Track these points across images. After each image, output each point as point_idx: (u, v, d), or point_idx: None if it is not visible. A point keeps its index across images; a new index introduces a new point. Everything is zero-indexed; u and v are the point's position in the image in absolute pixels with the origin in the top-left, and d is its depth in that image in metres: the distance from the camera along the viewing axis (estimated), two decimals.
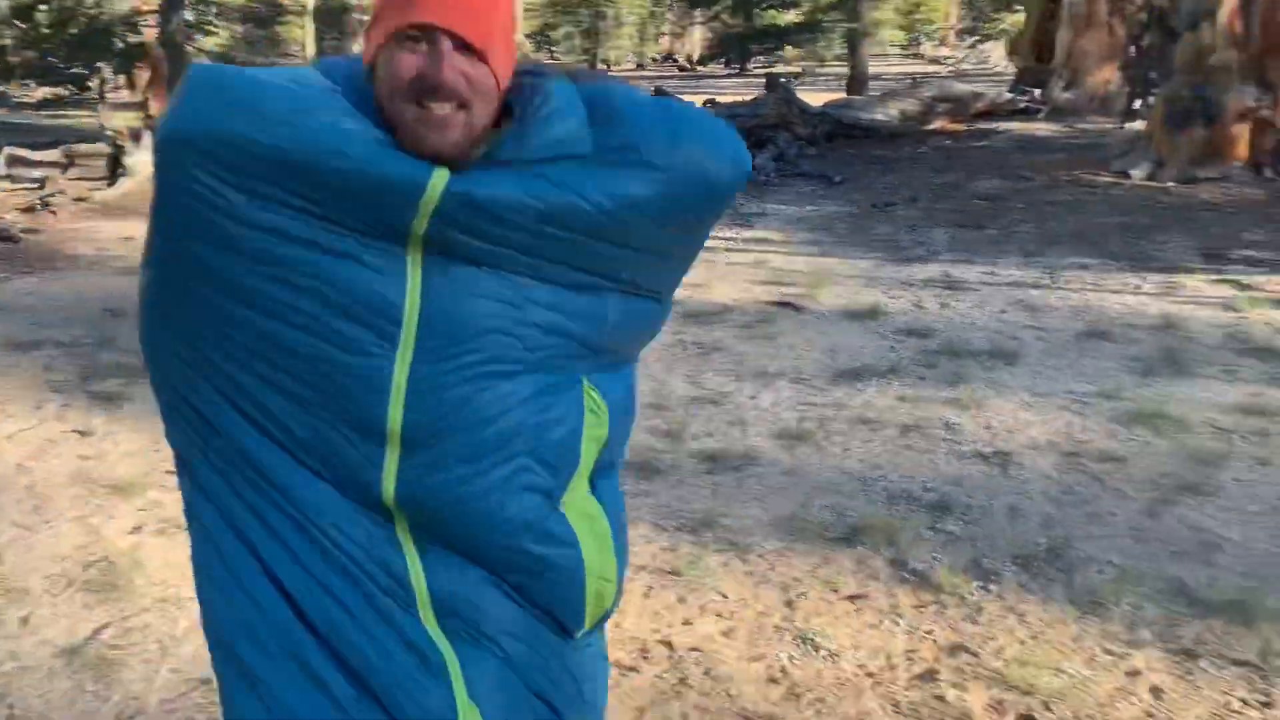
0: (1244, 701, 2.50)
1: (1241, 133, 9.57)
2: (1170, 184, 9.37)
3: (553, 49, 53.53)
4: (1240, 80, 9.56)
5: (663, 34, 52.84)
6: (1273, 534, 3.28)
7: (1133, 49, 11.97)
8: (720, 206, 1.30)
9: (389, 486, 1.21)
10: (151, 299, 1.26)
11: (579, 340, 1.26)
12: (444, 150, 1.16)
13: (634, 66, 45.94)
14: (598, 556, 1.31)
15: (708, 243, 1.38)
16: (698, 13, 43.67)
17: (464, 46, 1.17)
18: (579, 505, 1.31)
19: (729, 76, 31.53)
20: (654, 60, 47.79)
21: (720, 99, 15.35)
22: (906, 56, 41.25)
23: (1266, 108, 9.61)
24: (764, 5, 30.70)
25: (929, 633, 2.79)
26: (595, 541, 1.32)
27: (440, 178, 1.15)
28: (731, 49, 34.48)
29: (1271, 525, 3.34)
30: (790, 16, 30.59)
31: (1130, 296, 6.16)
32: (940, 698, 2.52)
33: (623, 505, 1.40)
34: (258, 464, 1.23)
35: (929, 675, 2.61)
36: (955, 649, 2.72)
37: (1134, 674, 2.60)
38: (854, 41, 24.08)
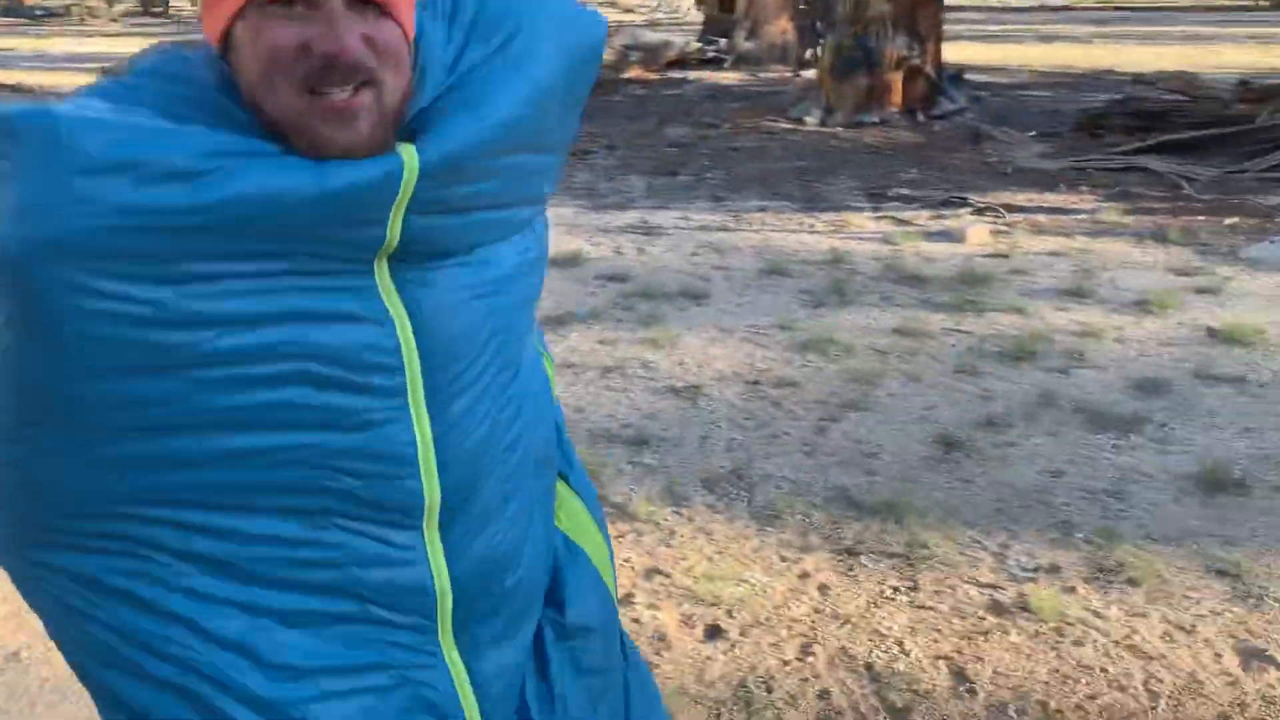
0: (895, 589, 2.85)
1: (897, 80, 10.50)
2: (839, 129, 10.15)
3: None
4: (894, 31, 10.47)
5: None
6: (920, 440, 3.72)
7: (801, 2, 12.74)
8: (595, 70, 1.11)
9: (440, 572, 1.00)
10: (20, 479, 0.93)
11: (535, 296, 1.10)
12: (355, 147, 0.90)
13: None
14: (586, 542, 1.19)
15: None
16: None
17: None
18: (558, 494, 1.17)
19: None
20: None
21: None
22: (601, 5, 41.83)
23: (917, 56, 10.59)
24: None
25: (626, 560, 2.98)
26: (575, 524, 1.19)
27: (411, 157, 0.91)
28: None
29: (919, 433, 3.78)
30: None
31: (806, 235, 6.68)
32: (636, 620, 2.71)
33: (582, 464, 1.28)
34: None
35: (626, 600, 2.79)
36: (650, 572, 2.92)
37: (804, 575, 2.91)
38: None
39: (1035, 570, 2.92)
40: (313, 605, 0.97)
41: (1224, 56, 17.62)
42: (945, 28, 11.33)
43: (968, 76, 12.61)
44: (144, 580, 0.94)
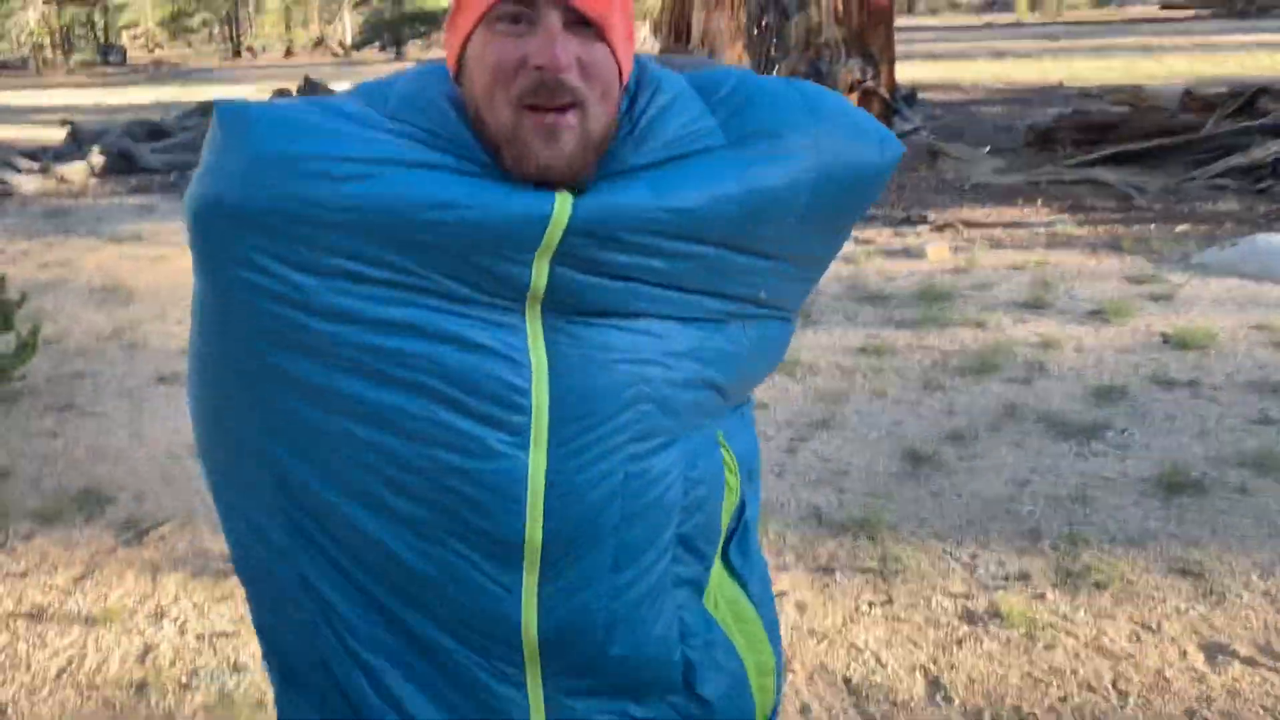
0: (870, 603, 2.91)
1: (852, 102, 10.68)
2: None
3: (190, 39, 49.92)
4: (847, 54, 10.66)
5: (311, 20, 50.77)
6: (889, 456, 3.80)
7: (755, 28, 12.97)
8: (869, 196, 1.08)
9: (530, 619, 0.99)
10: (208, 410, 1.02)
11: (718, 389, 1.05)
12: (554, 166, 0.92)
13: (283, 54, 43.86)
14: (750, 651, 1.13)
15: None
16: None
17: (578, 21, 0.92)
18: (718, 589, 1.12)
19: (385, 62, 30.89)
20: (304, 47, 45.84)
21: None
22: None
23: (871, 79, 10.78)
24: None
25: None
26: (743, 631, 1.13)
27: (563, 206, 0.92)
28: (384, 34, 33.81)
29: (888, 449, 3.86)
30: (442, 1, 30.44)
31: None
32: None
33: (768, 576, 1.21)
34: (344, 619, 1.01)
35: None
36: None
37: (781, 594, 2.96)
38: None
39: (1005, 578, 2.99)
40: (410, 622, 1.01)
41: (1172, 67, 18.03)
42: (897, 48, 11.54)
43: (922, 96, 12.87)
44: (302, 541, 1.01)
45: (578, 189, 0.94)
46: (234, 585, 2.99)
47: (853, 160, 1.03)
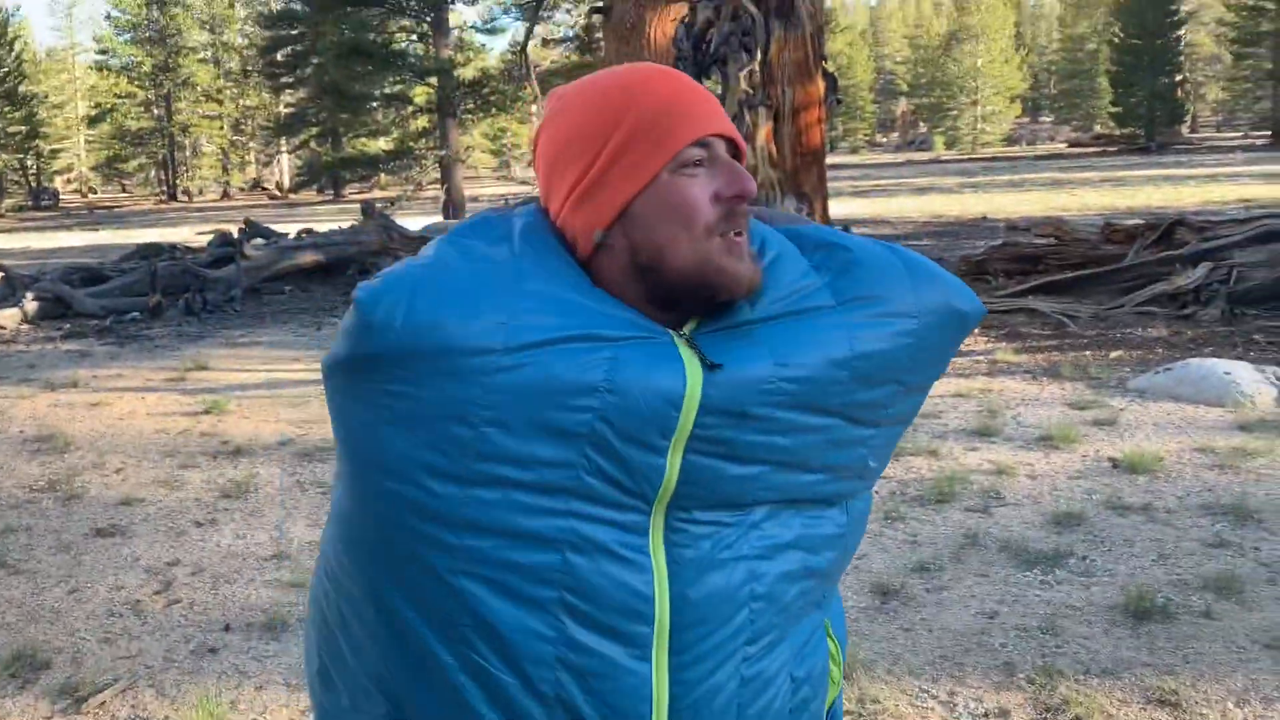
0: None
1: None
2: None
3: (125, 183, 50.11)
4: (783, 193, 11.02)
5: (248, 162, 51.35)
6: (857, 591, 3.75)
7: None
8: (953, 351, 1.08)
9: None
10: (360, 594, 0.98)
11: (825, 577, 1.03)
12: (754, 277, 0.95)
13: (220, 196, 44.16)
14: None
15: None
16: (284, 141, 43.01)
17: (732, 155, 0.98)
18: None
19: (324, 204, 31.19)
20: (241, 189, 46.23)
21: (318, 227, 15.17)
22: (498, 177, 43.10)
23: (808, 214, 11.13)
24: (352, 135, 30.88)
25: None
26: None
27: (694, 381, 0.91)
28: (322, 177, 34.24)
29: (856, 584, 3.81)
30: (381, 144, 31.00)
31: None
32: None
33: None
34: None
35: None
36: None
37: None
38: (446, 167, 24.84)
39: (985, 715, 2.93)
40: None
41: (1084, 199, 18.94)
42: (828, 185, 11.96)
43: (855, 230, 13.26)
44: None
45: (707, 364, 0.92)
46: None
47: (954, 314, 1.03)
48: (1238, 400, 5.76)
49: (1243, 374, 5.99)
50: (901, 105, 54.46)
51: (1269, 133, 37.00)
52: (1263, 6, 39.50)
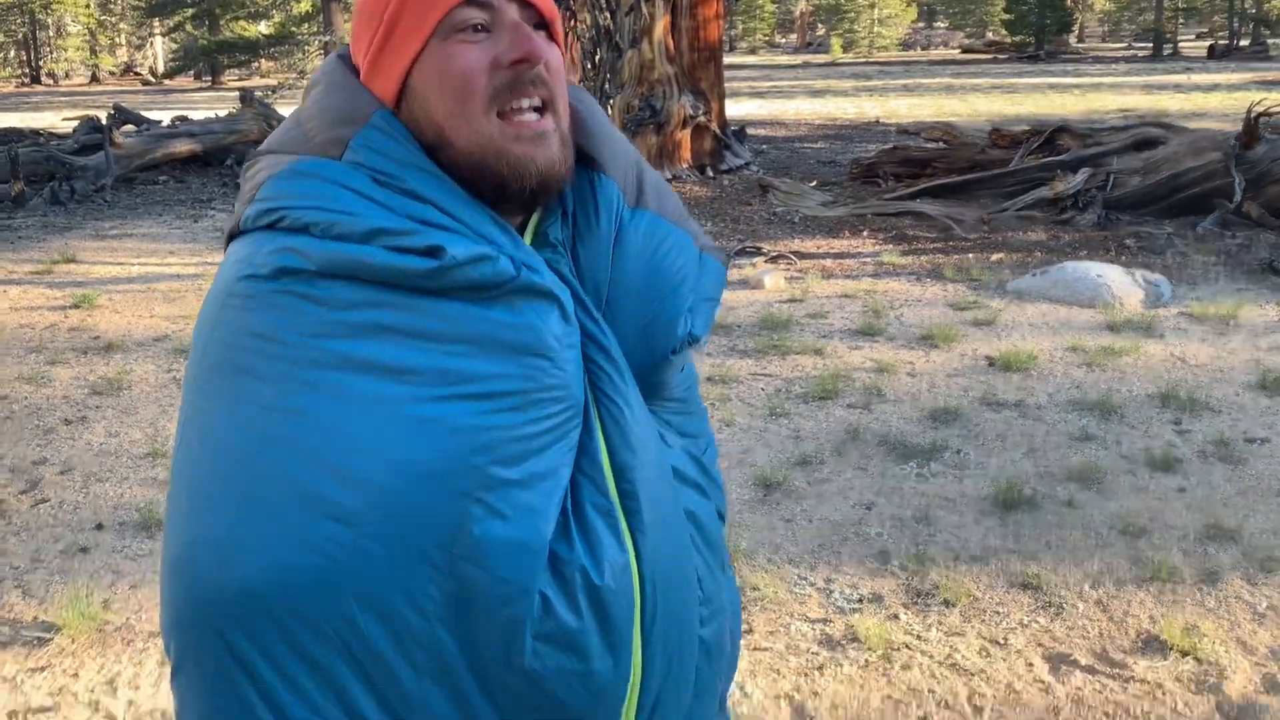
0: None
1: (685, 137, 10.89)
2: None
3: None
4: (679, 90, 10.88)
5: (119, 44, 48.33)
6: (740, 484, 3.83)
7: (589, 63, 13.12)
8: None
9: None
10: None
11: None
12: (554, 170, 0.87)
13: (88, 80, 41.56)
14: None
15: None
16: (157, 22, 40.56)
17: (533, 22, 0.88)
18: None
19: (200, 90, 29.64)
20: (112, 74, 43.52)
21: (194, 114, 14.42)
22: None
23: (703, 114, 11.03)
24: (231, 16, 29.28)
25: None
26: None
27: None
28: (199, 61, 32.49)
29: (739, 476, 3.89)
30: (261, 28, 29.49)
31: None
32: None
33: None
34: None
35: None
36: None
37: None
38: (330, 53, 23.88)
39: (859, 601, 3.05)
40: None
41: (975, 105, 19.23)
42: (725, 85, 11.86)
43: (750, 131, 13.24)
44: None
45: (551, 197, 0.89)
46: None
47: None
48: (1108, 302, 5.99)
49: (1114, 277, 6.23)
50: (800, 6, 54.11)
51: (1150, 44, 37.98)
52: None
